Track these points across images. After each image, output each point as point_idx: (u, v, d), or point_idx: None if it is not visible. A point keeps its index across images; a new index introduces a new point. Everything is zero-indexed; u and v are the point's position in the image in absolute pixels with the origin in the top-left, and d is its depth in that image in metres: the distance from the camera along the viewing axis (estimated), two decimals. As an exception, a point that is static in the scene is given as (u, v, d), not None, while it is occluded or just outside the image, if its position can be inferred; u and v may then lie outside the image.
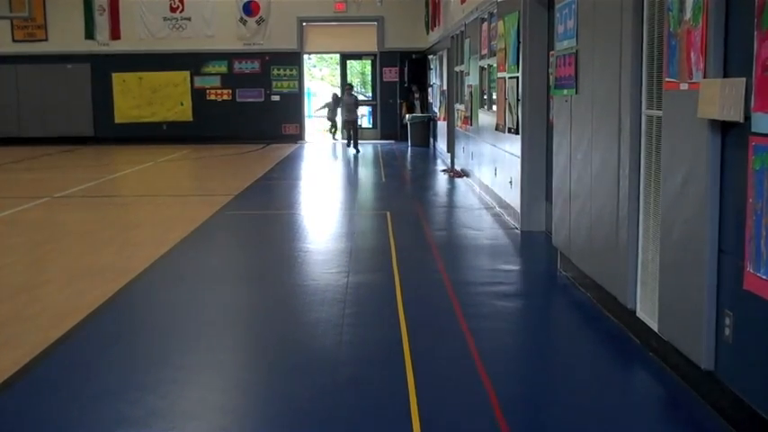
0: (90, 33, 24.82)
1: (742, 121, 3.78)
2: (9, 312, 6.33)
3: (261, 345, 5.71)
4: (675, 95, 4.55)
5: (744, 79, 3.75)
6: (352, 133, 22.09)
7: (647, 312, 5.20)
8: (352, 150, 21.66)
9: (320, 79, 35.44)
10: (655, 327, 4.98)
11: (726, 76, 4.01)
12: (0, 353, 5.33)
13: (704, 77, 4.13)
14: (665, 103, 4.77)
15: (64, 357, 5.33)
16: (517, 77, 9.61)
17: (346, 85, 23.51)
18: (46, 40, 24.94)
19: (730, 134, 4.00)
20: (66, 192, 13.63)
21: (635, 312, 5.41)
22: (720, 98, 3.92)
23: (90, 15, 24.78)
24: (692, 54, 4.27)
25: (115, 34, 24.87)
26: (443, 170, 16.70)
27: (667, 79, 4.66)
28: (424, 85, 24.51)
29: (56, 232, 10.11)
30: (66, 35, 24.72)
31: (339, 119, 24.00)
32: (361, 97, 27.31)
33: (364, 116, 25.95)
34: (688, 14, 4.31)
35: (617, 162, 5.63)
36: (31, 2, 20.77)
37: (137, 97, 25.19)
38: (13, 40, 24.92)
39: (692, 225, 4.33)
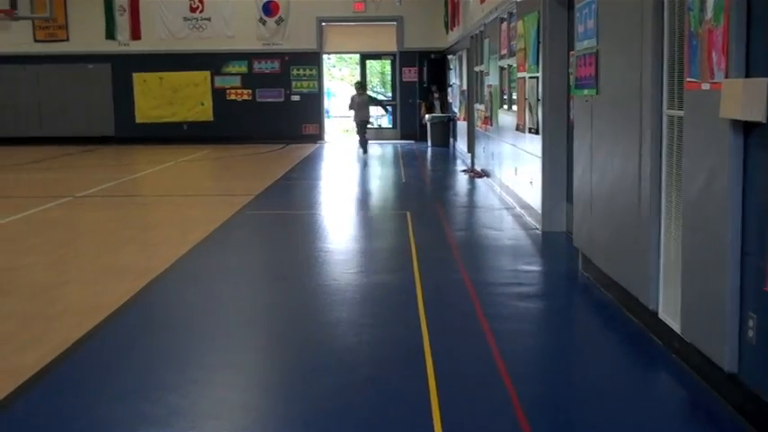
0: (111, 34, 24.96)
1: (764, 121, 3.76)
2: (31, 312, 6.37)
3: (281, 344, 5.72)
4: (697, 95, 4.52)
5: (766, 79, 3.73)
6: (361, 134, 21.11)
7: (670, 314, 5.17)
8: (364, 155, 20.68)
9: (340, 79, 35.48)
10: (677, 328, 4.95)
11: (748, 75, 3.98)
12: (23, 352, 5.37)
13: (726, 77, 4.10)
14: (687, 104, 4.74)
15: (85, 356, 5.36)
16: (537, 77, 9.58)
17: (357, 85, 22.28)
18: (67, 40, 25.11)
19: (753, 134, 3.97)
20: (86, 191, 13.71)
21: (657, 314, 5.39)
22: (742, 98, 3.89)
23: (111, 16, 24.92)
24: (713, 54, 4.24)
25: (136, 34, 25.00)
26: (463, 170, 16.68)
27: (689, 79, 4.64)
28: (443, 85, 24.48)
29: (77, 232, 10.17)
30: (87, 35, 24.87)
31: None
32: (380, 97, 27.35)
33: (383, 116, 25.82)
34: (709, 14, 4.29)
35: (638, 162, 5.61)
36: (52, 2, 20.94)
37: (157, 97, 25.30)
38: (35, 41, 25.10)
39: (714, 226, 4.30)
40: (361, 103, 20.95)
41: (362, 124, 21.08)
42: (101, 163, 19.96)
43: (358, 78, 26.06)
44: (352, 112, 22.03)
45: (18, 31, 24.25)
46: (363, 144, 20.94)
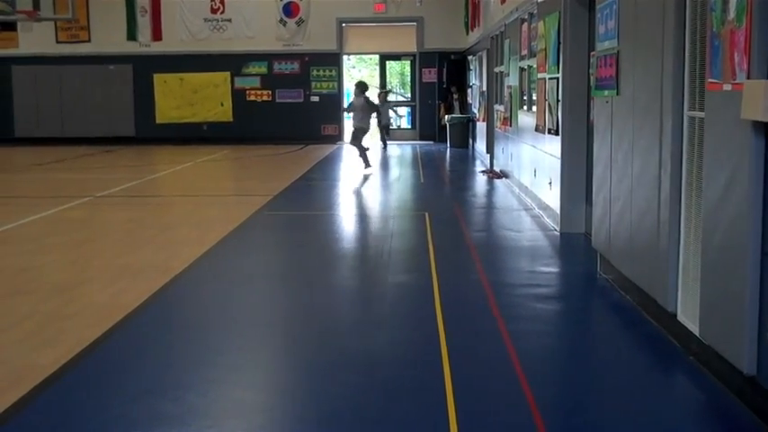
0: (132, 35, 25.11)
1: (787, 122, 3.72)
2: (51, 310, 6.41)
3: (298, 344, 5.72)
4: (718, 96, 4.49)
5: (789, 80, 3.70)
6: (355, 144, 17.19)
7: (688, 316, 5.13)
8: (366, 170, 16.91)
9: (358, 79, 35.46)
10: (696, 330, 4.91)
11: (770, 76, 3.95)
12: (42, 350, 5.40)
13: (748, 78, 4.06)
14: (708, 105, 4.70)
15: (104, 355, 5.38)
16: (557, 78, 9.54)
17: (357, 85, 17.85)
18: (89, 41, 25.28)
19: (775, 136, 3.94)
20: (107, 191, 13.78)
21: (676, 316, 5.35)
22: (764, 99, 3.85)
23: (132, 17, 25.07)
24: (735, 54, 4.21)
25: (157, 35, 25.13)
26: (482, 171, 16.64)
27: (710, 80, 4.60)
28: (462, 86, 24.44)
29: (97, 231, 10.23)
30: (108, 36, 25.03)
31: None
32: (399, 98, 27.33)
33: (395, 117, 25.66)
34: (731, 14, 4.25)
35: (658, 164, 5.57)
36: (74, 4, 21.05)
37: (177, 98, 25.42)
38: (57, 42, 25.29)
39: (734, 228, 4.27)
40: (358, 106, 17.27)
41: (356, 133, 17.25)
42: (121, 163, 20.06)
43: (377, 79, 26.09)
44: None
45: (40, 33, 24.48)
46: (363, 156, 17.02)
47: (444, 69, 25.19)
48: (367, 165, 16.89)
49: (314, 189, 14.73)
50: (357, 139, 17.09)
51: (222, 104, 25.43)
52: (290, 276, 7.91)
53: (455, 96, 24.62)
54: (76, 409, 4.45)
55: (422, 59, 25.49)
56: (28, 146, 24.18)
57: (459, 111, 24.23)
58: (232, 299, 6.82)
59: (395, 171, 17.77)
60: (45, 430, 4.22)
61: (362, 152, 16.93)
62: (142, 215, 11.47)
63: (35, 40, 24.84)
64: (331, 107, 25.41)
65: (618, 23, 6.67)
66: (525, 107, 12.20)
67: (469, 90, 23.32)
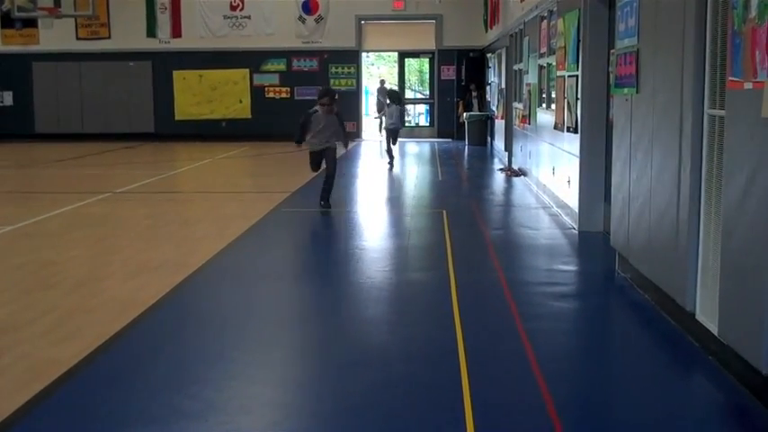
0: (152, 31, 25.22)
1: (808, 121, 3.70)
2: (72, 305, 6.45)
3: (315, 341, 5.73)
4: (739, 95, 4.46)
5: (810, 78, 3.67)
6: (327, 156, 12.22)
7: (707, 315, 5.11)
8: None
9: (378, 77, 35.46)
10: (714, 330, 4.89)
11: (792, 75, 3.92)
12: (62, 345, 5.44)
13: (769, 76, 4.04)
14: (729, 103, 4.68)
15: (124, 350, 5.42)
16: (577, 76, 9.51)
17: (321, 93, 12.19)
18: (109, 38, 25.41)
19: (796, 135, 3.91)
20: (126, 187, 13.86)
21: (694, 315, 5.33)
22: (786, 98, 3.83)
23: (152, 14, 25.18)
24: (756, 53, 4.18)
25: (176, 32, 25.23)
26: (500, 169, 16.61)
27: (731, 78, 4.58)
28: (481, 84, 24.40)
29: (116, 227, 10.28)
30: (128, 33, 25.15)
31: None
32: (419, 96, 27.34)
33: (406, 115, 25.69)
34: (753, 12, 4.23)
35: (678, 162, 5.54)
36: (95, 1, 21.20)
37: (197, 95, 25.52)
38: (77, 38, 25.44)
39: (755, 227, 4.24)
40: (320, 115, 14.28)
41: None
42: (140, 159, 20.16)
43: (396, 77, 26.19)
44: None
45: (61, 29, 24.63)
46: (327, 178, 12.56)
47: (463, 67, 25.16)
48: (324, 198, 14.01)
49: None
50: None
51: (241, 101, 25.50)
52: (307, 273, 7.93)
53: (474, 94, 24.59)
54: (95, 404, 4.48)
55: (440, 57, 25.46)
56: (48, 142, 24.33)
57: (477, 108, 24.19)
58: (250, 295, 6.85)
59: (413, 168, 17.76)
60: (64, 425, 4.25)
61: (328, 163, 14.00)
62: (161, 211, 11.52)
63: (55, 36, 25.00)
64: (350, 104, 25.41)
65: (638, 21, 6.64)
66: (544, 105, 12.17)
67: (488, 87, 23.28)
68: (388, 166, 17.59)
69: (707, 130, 5.18)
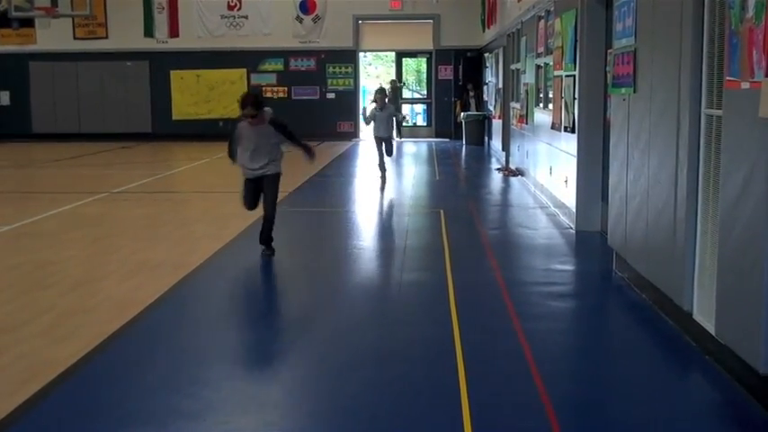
0: (149, 31, 25.20)
1: (805, 120, 3.70)
2: (69, 305, 6.45)
3: (313, 340, 5.73)
4: (736, 94, 4.46)
5: (807, 78, 3.67)
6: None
7: (704, 315, 5.11)
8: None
9: (375, 77, 35.47)
10: (712, 330, 4.89)
11: (789, 74, 3.93)
12: (60, 344, 5.43)
13: (766, 76, 4.04)
14: (726, 103, 4.68)
15: (121, 350, 5.41)
16: (574, 76, 9.52)
17: (243, 99, 8.59)
18: (106, 37, 25.38)
19: (793, 134, 3.91)
20: (124, 187, 13.84)
21: (692, 315, 5.33)
22: (783, 97, 3.84)
23: (149, 13, 25.16)
24: (753, 52, 4.19)
25: (174, 32, 25.21)
26: (498, 169, 16.62)
27: (728, 78, 4.58)
28: (478, 84, 24.41)
29: (114, 227, 10.27)
30: (125, 33, 25.12)
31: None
32: (416, 95, 27.32)
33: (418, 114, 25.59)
34: (750, 12, 4.23)
35: (675, 162, 5.55)
36: (92, 0, 21.17)
37: (194, 94, 25.51)
38: (74, 38, 25.40)
39: (751, 227, 4.25)
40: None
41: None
42: (138, 159, 20.14)
43: (393, 76, 26.09)
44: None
45: (58, 29, 24.56)
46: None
47: (460, 67, 25.17)
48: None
49: (329, 185, 14.73)
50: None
51: (238, 101, 25.44)
52: (305, 273, 7.92)
53: (471, 94, 24.59)
54: (93, 403, 4.48)
55: (438, 57, 25.46)
56: (45, 142, 24.30)
57: (475, 108, 24.19)
58: (248, 295, 6.85)
59: (410, 168, 17.76)
60: (62, 424, 4.25)
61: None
62: (159, 211, 11.52)
63: (53, 36, 24.93)
64: (347, 104, 25.41)
65: (635, 21, 6.65)
66: (541, 105, 12.17)
67: (485, 87, 23.28)
68: (380, 181, 14.60)
69: (704, 130, 5.19)
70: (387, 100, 15.26)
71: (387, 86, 22.15)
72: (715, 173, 4.95)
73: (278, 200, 8.35)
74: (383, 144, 14.68)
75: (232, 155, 8.62)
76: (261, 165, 8.28)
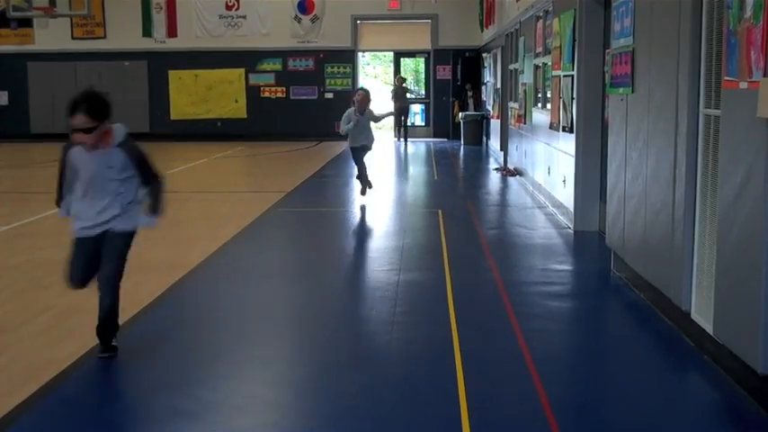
0: (147, 31, 25.20)
1: (803, 120, 3.71)
2: (67, 305, 6.44)
3: (311, 341, 5.73)
4: (734, 94, 4.47)
5: (805, 78, 3.68)
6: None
7: (703, 314, 5.12)
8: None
9: (374, 77, 35.47)
10: (710, 329, 4.90)
11: (787, 74, 3.93)
12: (58, 344, 5.44)
13: (764, 76, 4.04)
14: (724, 102, 4.69)
15: (119, 350, 5.40)
16: (572, 76, 9.52)
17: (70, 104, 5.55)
18: (104, 37, 25.38)
19: (791, 134, 3.92)
20: (122, 187, 13.80)
21: (690, 314, 5.33)
22: (781, 97, 3.84)
23: (147, 13, 25.15)
24: (752, 52, 4.19)
25: (172, 32, 25.21)
26: (496, 169, 16.63)
27: (726, 78, 4.58)
28: (477, 84, 24.42)
29: (112, 227, 10.25)
30: (124, 33, 25.12)
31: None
32: (414, 95, 27.30)
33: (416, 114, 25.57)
34: (748, 12, 4.23)
35: (673, 162, 5.55)
36: (90, 0, 21.14)
37: (192, 94, 25.50)
38: (73, 38, 25.40)
39: (749, 226, 4.25)
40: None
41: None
42: (136, 159, 20.06)
43: (391, 76, 26.04)
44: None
45: (56, 29, 24.55)
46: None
47: (459, 67, 25.18)
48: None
49: (327, 186, 14.74)
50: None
51: (236, 101, 25.47)
52: (302, 273, 7.92)
53: (469, 94, 24.60)
54: (91, 404, 4.48)
55: (436, 57, 25.46)
56: (44, 142, 24.27)
57: (473, 108, 24.20)
58: (245, 295, 6.85)
59: (408, 168, 17.76)
60: (60, 424, 4.24)
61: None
62: (157, 211, 11.48)
63: (51, 36, 24.93)
64: (346, 104, 25.30)
65: (633, 21, 6.65)
66: (540, 105, 12.18)
67: (484, 87, 23.29)
68: (361, 196, 12.39)
69: (702, 130, 5.19)
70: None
71: (393, 85, 21.91)
72: (713, 173, 4.96)
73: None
74: (365, 152, 12.59)
75: (59, 198, 5.71)
76: (103, 215, 5.29)
